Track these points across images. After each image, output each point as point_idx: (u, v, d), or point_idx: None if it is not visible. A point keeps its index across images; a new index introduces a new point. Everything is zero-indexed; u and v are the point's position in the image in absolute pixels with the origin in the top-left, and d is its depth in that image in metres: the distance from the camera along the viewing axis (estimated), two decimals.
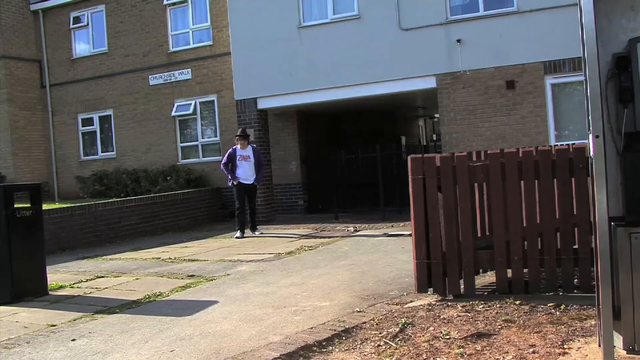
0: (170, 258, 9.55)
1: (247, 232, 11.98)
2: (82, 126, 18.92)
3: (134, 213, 13.34)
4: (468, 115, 12.86)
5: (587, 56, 3.26)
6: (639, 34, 3.45)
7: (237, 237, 11.64)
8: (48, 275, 7.37)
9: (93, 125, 18.75)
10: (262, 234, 11.98)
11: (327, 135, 17.18)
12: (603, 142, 3.28)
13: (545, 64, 12.29)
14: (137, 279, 7.92)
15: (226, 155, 12.04)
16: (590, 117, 3.32)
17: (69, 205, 12.74)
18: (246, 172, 11.83)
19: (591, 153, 3.35)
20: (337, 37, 13.85)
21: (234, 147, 11.98)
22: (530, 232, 5.42)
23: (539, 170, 5.29)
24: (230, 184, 12.13)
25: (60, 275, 8.52)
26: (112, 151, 18.39)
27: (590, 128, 3.32)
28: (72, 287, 7.57)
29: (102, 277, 8.24)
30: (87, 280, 7.98)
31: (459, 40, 12.81)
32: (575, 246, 5.32)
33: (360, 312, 5.28)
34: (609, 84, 3.51)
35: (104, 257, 10.25)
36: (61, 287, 7.58)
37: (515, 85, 12.50)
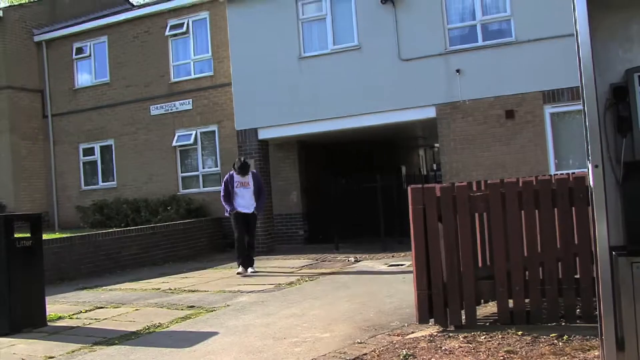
0: (170, 289, 9.51)
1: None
2: (83, 156, 18.97)
3: (134, 243, 13.30)
4: (468, 145, 12.89)
5: (584, 86, 3.28)
6: (635, 65, 3.47)
7: (238, 273, 10.64)
8: (47, 306, 7.33)
9: (94, 155, 18.80)
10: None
11: (327, 166, 17.20)
12: (602, 171, 3.28)
13: (544, 93, 12.36)
14: (137, 309, 7.87)
15: (222, 186, 10.93)
16: (589, 147, 3.33)
17: (69, 235, 12.72)
18: (245, 201, 10.71)
19: (591, 183, 3.35)
20: (337, 67, 13.95)
21: (230, 173, 10.90)
22: (532, 262, 5.40)
23: (539, 199, 5.29)
24: (227, 214, 11.07)
25: (60, 306, 8.47)
26: (113, 181, 18.41)
27: (590, 158, 3.33)
28: (71, 318, 7.53)
29: (102, 307, 8.19)
30: (86, 311, 7.94)
31: (458, 71, 12.90)
32: (577, 276, 5.30)
33: (361, 343, 5.24)
34: (607, 113, 3.52)
35: (104, 287, 10.21)
36: (60, 318, 7.53)
37: (515, 114, 12.56)
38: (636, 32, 3.52)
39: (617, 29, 3.55)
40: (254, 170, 11.37)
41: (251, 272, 10.61)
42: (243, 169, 10.73)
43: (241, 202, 10.70)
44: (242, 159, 11.31)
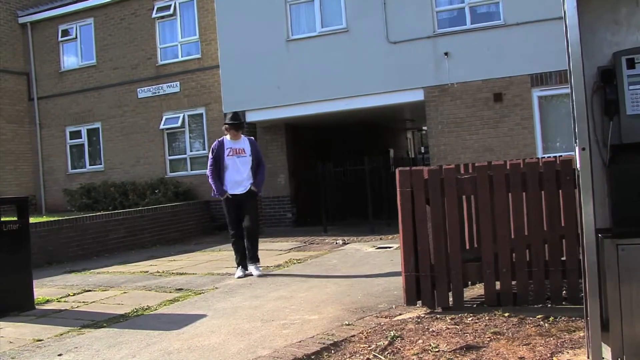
0: (158, 271, 9.50)
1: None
2: (70, 139, 18.87)
3: (121, 226, 13.27)
4: (456, 128, 12.92)
5: (572, 70, 3.29)
6: (622, 48, 3.48)
7: (238, 277, 8.21)
8: (35, 290, 7.30)
9: (81, 138, 18.70)
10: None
11: (315, 148, 17.20)
12: (589, 154, 3.30)
13: (532, 76, 12.39)
14: (125, 292, 7.87)
15: (210, 156, 8.46)
16: (576, 130, 3.34)
17: (56, 218, 12.66)
18: (239, 174, 8.29)
19: (578, 165, 3.37)
20: (325, 50, 13.91)
21: (219, 140, 8.49)
22: (518, 244, 5.44)
23: (527, 182, 5.32)
24: (214, 195, 8.67)
25: (47, 289, 8.45)
26: (100, 164, 18.33)
27: (577, 140, 3.35)
28: (59, 301, 7.51)
29: (90, 291, 8.17)
30: (74, 294, 7.92)
31: (446, 54, 12.90)
32: (563, 258, 5.34)
33: (349, 325, 5.27)
34: (594, 96, 3.54)
35: (92, 270, 10.19)
36: (48, 301, 7.51)
37: (503, 97, 12.59)
38: (624, 16, 3.54)
39: (605, 12, 3.56)
40: (251, 137, 8.77)
41: (257, 274, 8.20)
42: (236, 124, 8.44)
43: (235, 176, 8.28)
44: (234, 112, 9.00)
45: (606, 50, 3.55)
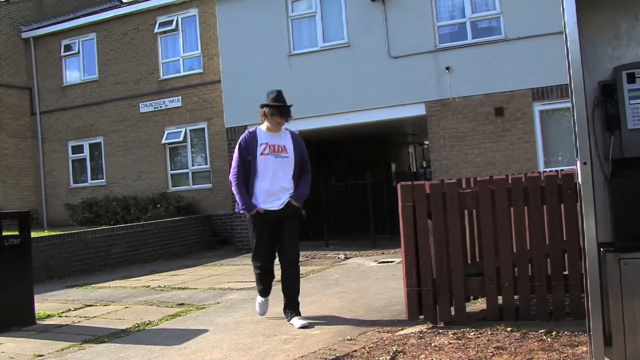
0: (160, 286, 9.48)
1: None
2: (72, 153, 18.89)
3: (123, 241, 13.27)
4: (457, 142, 12.93)
5: (573, 84, 3.30)
6: (623, 62, 3.50)
7: (261, 314, 6.38)
8: (36, 304, 7.29)
9: (83, 152, 18.72)
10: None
11: (317, 163, 17.19)
12: (591, 168, 3.31)
13: (533, 90, 12.41)
14: (127, 307, 7.85)
15: (236, 155, 5.99)
16: (577, 144, 3.35)
17: (58, 233, 12.67)
18: (277, 182, 5.91)
19: (579, 179, 3.37)
20: (327, 65, 13.95)
21: (250, 131, 6.03)
22: (521, 258, 5.42)
23: (528, 196, 5.31)
24: (238, 211, 6.27)
25: (49, 304, 8.43)
26: (102, 178, 18.34)
27: (578, 155, 3.35)
28: (60, 316, 7.49)
29: (91, 305, 8.16)
30: (75, 309, 7.90)
31: (447, 68, 12.93)
32: (566, 272, 5.32)
33: (351, 340, 5.25)
34: (595, 111, 3.55)
35: (93, 285, 10.17)
36: (49, 316, 7.50)
37: (504, 112, 12.60)
38: (624, 30, 3.55)
39: (606, 27, 3.57)
40: (295, 132, 6.33)
41: (301, 326, 5.78)
42: (282, 107, 5.96)
43: (271, 185, 5.88)
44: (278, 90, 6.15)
45: (607, 65, 3.56)
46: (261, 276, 6.14)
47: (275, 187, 5.91)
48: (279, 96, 6.00)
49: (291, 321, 5.94)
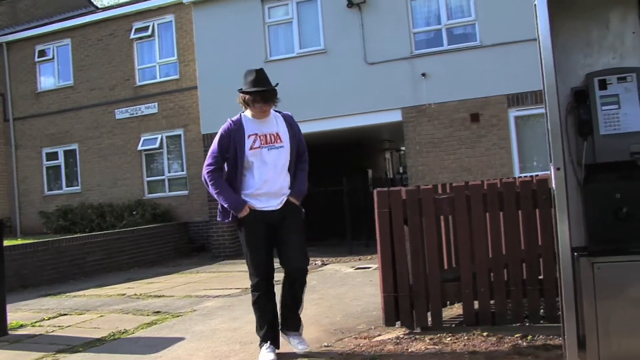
0: (135, 294, 9.40)
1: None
2: (47, 160, 18.68)
3: (99, 248, 13.14)
4: (434, 148, 13.00)
5: (546, 91, 3.33)
6: (595, 69, 3.55)
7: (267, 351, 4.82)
8: (8, 314, 7.17)
9: (58, 159, 18.52)
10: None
11: None
12: (564, 174, 3.34)
13: (508, 96, 12.53)
14: (102, 316, 7.77)
15: (214, 148, 4.89)
16: (551, 150, 3.38)
17: (31, 241, 12.52)
18: (273, 178, 4.86)
19: (553, 185, 3.41)
20: (303, 71, 13.96)
21: (234, 119, 4.93)
22: (496, 263, 5.45)
23: (504, 202, 5.35)
24: (221, 219, 5.02)
25: (21, 313, 8.32)
26: (77, 186, 18.16)
27: (552, 160, 3.38)
28: (33, 326, 7.39)
29: (65, 314, 8.06)
30: (49, 319, 7.81)
31: (424, 74, 13.01)
32: (541, 276, 5.36)
33: (328, 346, 5.24)
34: (568, 117, 3.59)
35: (68, 294, 10.06)
36: (22, 326, 7.39)
37: (480, 117, 12.71)
38: (596, 38, 3.60)
39: (578, 35, 3.62)
40: (288, 113, 5.15)
41: (302, 350, 4.94)
42: (264, 91, 4.79)
43: (267, 182, 4.83)
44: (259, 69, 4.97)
45: (579, 72, 3.61)
46: (261, 301, 4.84)
47: (272, 185, 4.81)
48: (259, 77, 4.81)
49: (291, 341, 4.97)
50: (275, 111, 5.00)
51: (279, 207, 4.84)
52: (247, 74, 4.89)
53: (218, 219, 5.05)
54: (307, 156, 5.13)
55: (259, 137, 4.82)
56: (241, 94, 4.85)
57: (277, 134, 4.87)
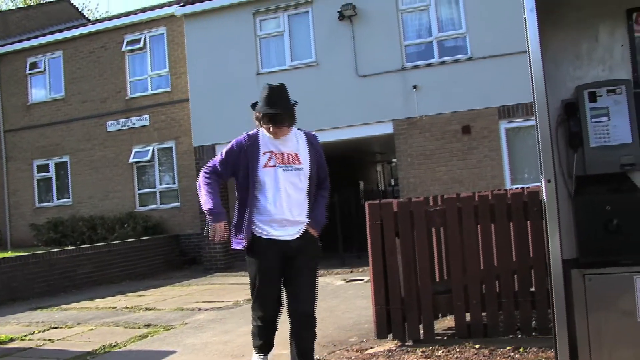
0: (126, 307, 9.36)
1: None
2: (38, 173, 18.59)
3: (89, 261, 13.07)
4: (425, 160, 13.02)
5: (537, 103, 3.35)
6: (585, 82, 3.57)
7: None
8: None
9: (49, 171, 18.45)
10: None
11: None
12: (555, 186, 3.35)
13: (499, 109, 12.58)
14: (92, 329, 7.72)
15: (222, 153, 4.45)
16: (542, 162, 3.39)
17: (21, 253, 12.44)
18: (288, 203, 4.31)
19: (544, 197, 3.42)
20: (295, 83, 13.76)
21: (250, 133, 4.46)
22: (488, 275, 5.46)
23: (495, 213, 5.36)
24: (205, 233, 4.46)
25: (11, 327, 8.26)
26: (68, 198, 18.08)
27: (542, 172, 3.39)
28: (23, 340, 7.34)
29: (56, 327, 8.01)
30: (39, 332, 7.75)
31: (415, 87, 13.05)
32: (532, 288, 5.37)
33: (320, 359, 5.22)
34: (559, 129, 3.61)
35: (58, 307, 10.00)
36: (11, 339, 7.34)
37: (471, 129, 12.74)
38: (585, 51, 3.63)
39: (568, 48, 3.65)
40: (310, 132, 4.63)
41: None
42: (275, 115, 4.22)
43: (280, 207, 4.28)
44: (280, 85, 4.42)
45: (569, 84, 3.63)
46: (262, 330, 4.47)
47: (286, 210, 4.25)
48: (271, 96, 4.26)
49: None
50: (298, 129, 4.49)
51: (296, 237, 4.28)
52: (262, 90, 4.35)
53: (203, 233, 4.50)
54: (328, 184, 4.62)
55: (275, 155, 4.29)
56: (256, 115, 4.33)
57: (296, 155, 4.35)
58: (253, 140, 4.35)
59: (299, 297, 4.29)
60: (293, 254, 4.28)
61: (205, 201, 4.27)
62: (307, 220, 4.35)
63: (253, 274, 4.31)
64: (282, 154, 4.31)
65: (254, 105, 4.35)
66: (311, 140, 4.48)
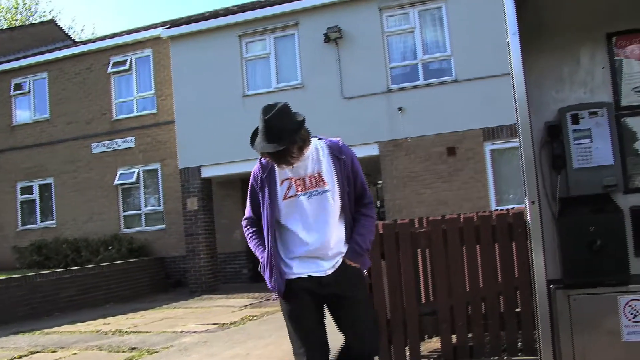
0: (111, 330, 9.27)
1: None
2: (21, 194, 18.45)
3: (73, 284, 12.95)
4: (410, 182, 13.06)
5: (520, 125, 3.38)
6: (567, 104, 3.61)
7: None
8: None
9: (32, 193, 18.32)
10: None
11: None
12: (539, 207, 3.37)
13: (484, 130, 12.67)
14: (76, 353, 7.64)
15: (248, 194, 3.85)
16: (526, 184, 3.42)
17: (3, 277, 12.31)
18: (318, 235, 3.50)
19: (528, 218, 3.44)
20: None
21: (265, 161, 3.67)
22: (474, 297, 5.46)
23: (480, 235, 5.38)
24: (271, 288, 3.58)
25: None
26: (52, 220, 17.94)
27: (527, 194, 3.42)
28: None
29: (38, 352, 7.91)
30: (20, 357, 7.65)
31: (400, 109, 13.13)
32: (518, 309, 5.38)
33: None
34: (542, 151, 3.64)
35: (41, 331, 9.88)
36: None
37: (456, 151, 12.82)
38: (567, 74, 3.68)
39: (550, 71, 3.69)
40: (337, 141, 3.76)
41: None
42: (279, 136, 3.40)
43: (302, 240, 3.53)
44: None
45: (552, 107, 3.67)
46: None
47: (319, 243, 3.50)
48: (265, 128, 3.47)
49: None
50: (319, 138, 3.75)
51: (330, 272, 3.52)
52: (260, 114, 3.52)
53: (269, 286, 3.61)
54: (370, 198, 3.77)
55: (295, 182, 3.56)
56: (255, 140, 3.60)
57: (319, 175, 3.56)
58: (267, 169, 3.65)
59: (357, 338, 3.65)
60: (332, 294, 3.56)
61: (263, 270, 3.64)
62: (343, 251, 3.55)
63: (283, 313, 3.67)
64: (303, 179, 3.56)
65: (253, 139, 3.58)
66: (335, 151, 3.64)
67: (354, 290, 3.58)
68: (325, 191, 3.53)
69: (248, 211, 3.78)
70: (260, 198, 3.67)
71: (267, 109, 3.54)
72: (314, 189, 3.53)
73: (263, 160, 3.66)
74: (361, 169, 3.73)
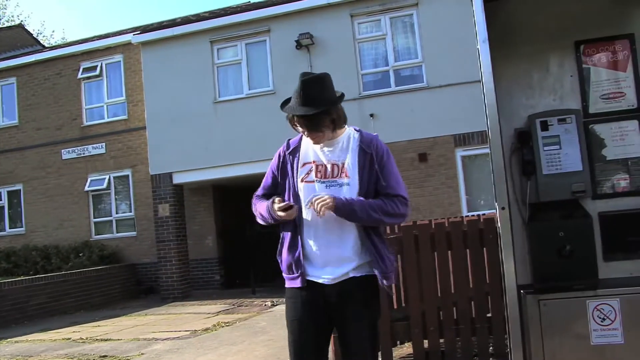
0: (81, 338, 9.16)
1: None
2: None
3: (43, 292, 12.78)
4: None
5: (490, 131, 3.42)
6: (537, 111, 3.66)
7: None
8: None
9: (1, 200, 18.04)
10: None
11: (243, 210, 17.11)
12: (509, 213, 3.41)
13: (455, 137, 12.78)
14: None
15: (267, 171, 3.48)
16: (496, 189, 3.46)
17: None
18: (328, 232, 3.13)
19: (498, 224, 3.47)
20: (253, 112, 13.99)
21: (292, 139, 3.44)
22: (445, 302, 5.50)
23: (451, 241, 5.42)
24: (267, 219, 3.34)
25: None
26: (21, 227, 17.68)
27: (497, 200, 3.45)
28: None
29: None
30: None
31: (372, 115, 13.19)
32: (489, 314, 5.42)
33: None
34: (512, 157, 3.69)
35: (9, 339, 9.73)
36: None
37: (428, 157, 12.91)
38: (537, 81, 3.73)
39: (520, 78, 3.74)
40: (371, 134, 3.38)
41: None
42: (317, 99, 3.11)
43: (318, 238, 3.17)
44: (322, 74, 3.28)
45: (522, 113, 3.72)
46: None
47: (327, 244, 3.16)
48: (302, 91, 3.17)
49: None
50: (355, 129, 3.37)
51: (340, 281, 3.12)
52: (300, 83, 3.20)
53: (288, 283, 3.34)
54: (403, 194, 3.28)
55: (318, 167, 3.22)
56: (286, 113, 3.33)
57: (343, 165, 3.20)
58: (293, 147, 3.35)
59: (345, 354, 3.23)
60: (337, 304, 3.14)
61: (259, 212, 3.37)
62: (356, 261, 3.14)
63: (285, 318, 3.30)
64: (325, 166, 3.21)
65: (284, 103, 3.31)
66: (365, 144, 3.26)
67: (363, 307, 3.14)
68: (346, 184, 3.16)
69: (261, 188, 3.48)
70: (280, 177, 3.33)
71: (307, 73, 3.25)
72: (333, 179, 3.17)
73: (294, 138, 3.39)
74: (396, 168, 3.37)
